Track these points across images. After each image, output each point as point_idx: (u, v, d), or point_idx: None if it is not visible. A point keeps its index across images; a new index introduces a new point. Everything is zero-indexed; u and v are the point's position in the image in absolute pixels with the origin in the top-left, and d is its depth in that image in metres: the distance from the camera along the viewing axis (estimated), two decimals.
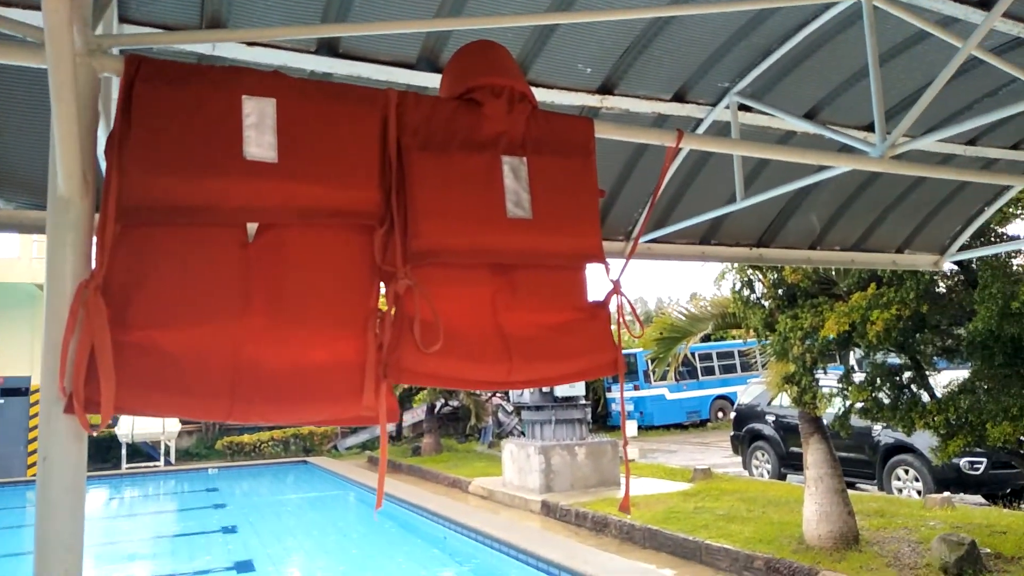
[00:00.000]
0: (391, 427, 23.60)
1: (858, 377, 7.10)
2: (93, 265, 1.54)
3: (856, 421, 7.43)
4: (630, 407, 23.58)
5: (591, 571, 6.76)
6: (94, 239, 1.57)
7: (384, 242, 1.77)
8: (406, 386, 18.95)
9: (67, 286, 1.52)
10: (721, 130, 3.77)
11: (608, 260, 2.00)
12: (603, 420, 24.27)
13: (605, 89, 3.28)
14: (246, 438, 22.16)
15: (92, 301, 1.48)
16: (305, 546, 10.88)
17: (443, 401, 19.96)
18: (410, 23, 2.44)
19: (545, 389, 12.31)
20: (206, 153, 1.61)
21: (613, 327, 2.05)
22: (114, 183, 1.55)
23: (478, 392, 19.52)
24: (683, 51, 3.28)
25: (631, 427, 21.32)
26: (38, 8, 2.27)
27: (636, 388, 23.50)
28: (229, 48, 2.65)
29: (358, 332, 1.72)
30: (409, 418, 23.28)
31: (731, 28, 3.24)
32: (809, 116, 3.86)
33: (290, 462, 20.74)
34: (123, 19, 2.52)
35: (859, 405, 6.99)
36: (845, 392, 7.09)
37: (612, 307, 2.01)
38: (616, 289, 1.98)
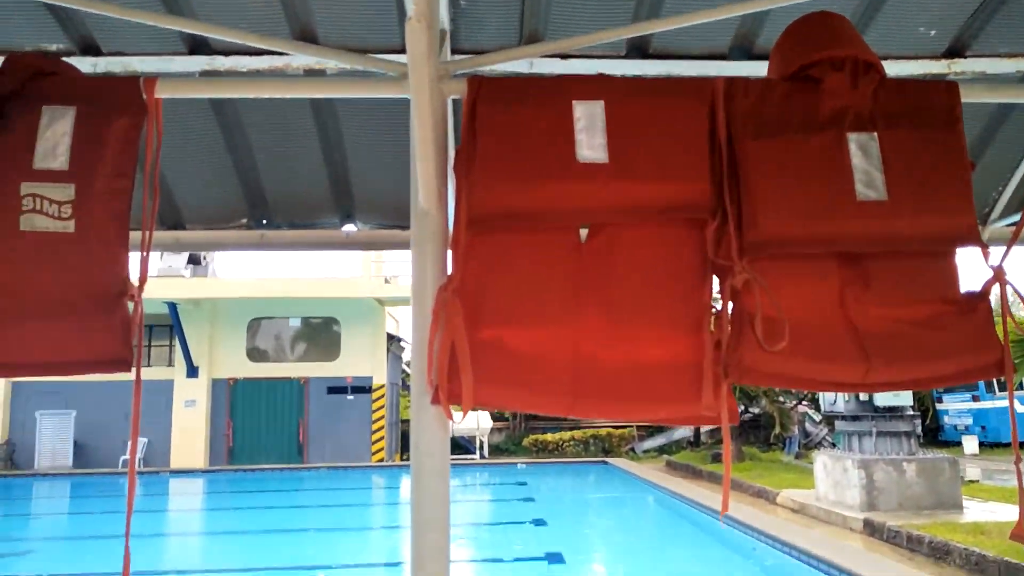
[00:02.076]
0: (688, 431, 23.22)
1: None
2: (450, 271, 1.68)
3: None
4: (968, 420, 20.48)
5: None
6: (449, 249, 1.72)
7: (717, 236, 1.69)
8: None
9: (429, 290, 1.68)
10: None
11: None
12: (932, 435, 21.35)
13: (953, 52, 2.83)
14: (549, 437, 23.38)
15: (450, 303, 1.62)
16: (609, 544, 11.12)
17: (744, 407, 19.12)
18: (725, 8, 2.32)
19: (863, 397, 11.16)
20: (543, 160, 1.68)
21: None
22: (464, 195, 1.68)
23: (782, 399, 18.39)
24: None
25: (971, 444, 18.44)
26: (397, 51, 2.59)
27: (975, 399, 20.33)
28: (545, 64, 2.77)
29: (693, 330, 1.66)
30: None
31: None
32: None
33: (590, 462, 21.42)
34: (454, 50, 2.76)
35: None
36: None
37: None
38: (998, 276, 1.68)
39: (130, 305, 1.66)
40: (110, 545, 11.61)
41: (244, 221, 3.39)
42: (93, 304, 1.62)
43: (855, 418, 11.42)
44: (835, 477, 11.16)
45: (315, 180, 3.32)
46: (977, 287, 1.70)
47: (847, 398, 11.35)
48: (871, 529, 9.63)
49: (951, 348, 1.67)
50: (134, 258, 1.70)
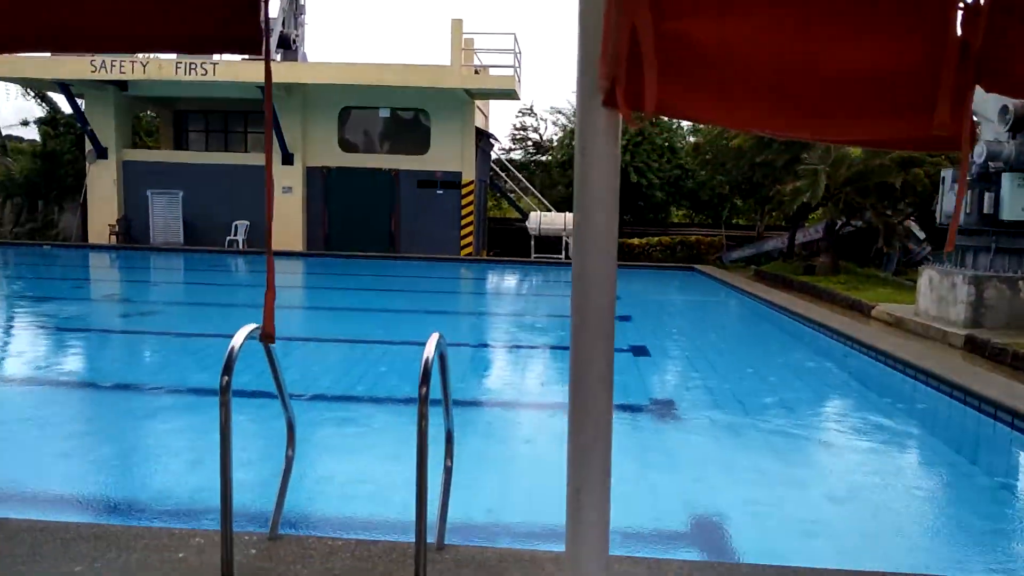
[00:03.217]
0: (780, 243, 22.59)
1: None
2: None
3: None
4: None
5: None
6: None
7: None
8: (804, 200, 17.73)
9: None
10: None
11: None
12: None
13: None
14: (635, 241, 23.30)
15: None
16: (694, 342, 11.25)
17: (844, 219, 18.30)
18: None
19: (987, 211, 10.34)
20: None
21: None
22: None
23: (889, 212, 17.45)
24: None
25: None
26: None
27: None
28: None
29: (937, 26, 1.32)
30: (800, 236, 22.06)
31: None
32: None
33: (677, 267, 21.38)
34: None
35: None
36: None
37: None
38: None
39: None
40: (221, 312, 12.60)
41: None
42: None
43: (973, 232, 10.68)
44: (940, 292, 10.69)
45: None
46: None
47: (968, 210, 10.55)
48: (972, 345, 9.31)
49: None
50: None
